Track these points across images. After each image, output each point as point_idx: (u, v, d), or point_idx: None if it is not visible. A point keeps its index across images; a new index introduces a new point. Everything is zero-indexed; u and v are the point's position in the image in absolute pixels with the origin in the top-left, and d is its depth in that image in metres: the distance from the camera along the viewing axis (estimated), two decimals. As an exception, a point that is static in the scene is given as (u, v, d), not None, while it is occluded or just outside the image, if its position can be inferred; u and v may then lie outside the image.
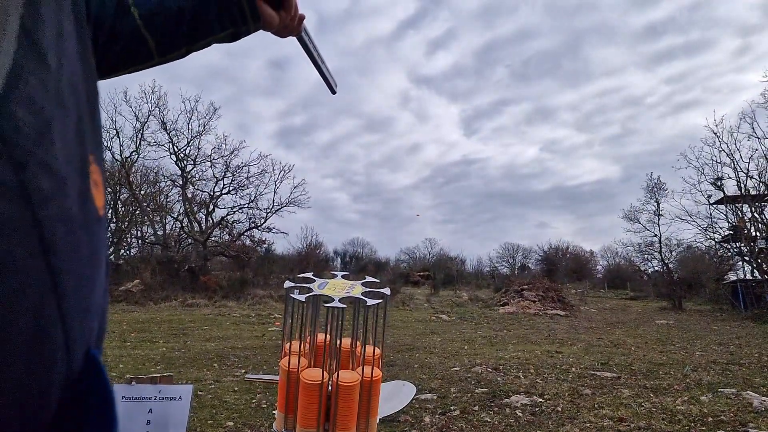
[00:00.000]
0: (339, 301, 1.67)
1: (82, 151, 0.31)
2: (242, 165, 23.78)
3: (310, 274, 1.88)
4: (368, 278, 1.94)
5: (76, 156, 0.30)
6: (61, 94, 0.29)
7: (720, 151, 20.16)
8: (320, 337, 1.81)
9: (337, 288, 1.80)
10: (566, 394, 4.73)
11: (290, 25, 0.81)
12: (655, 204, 23.98)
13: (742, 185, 19.17)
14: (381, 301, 1.73)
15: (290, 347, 1.64)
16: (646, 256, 25.60)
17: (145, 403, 1.74)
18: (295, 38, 0.85)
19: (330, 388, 1.60)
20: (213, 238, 23.32)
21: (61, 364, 0.28)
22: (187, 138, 22.99)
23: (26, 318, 0.24)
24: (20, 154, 0.24)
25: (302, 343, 1.70)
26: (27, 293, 0.24)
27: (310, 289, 1.74)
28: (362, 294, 1.76)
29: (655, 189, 23.98)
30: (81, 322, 0.30)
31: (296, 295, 1.68)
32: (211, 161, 23.39)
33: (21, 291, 0.24)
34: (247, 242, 24.03)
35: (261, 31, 0.80)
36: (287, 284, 1.78)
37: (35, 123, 0.25)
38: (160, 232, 24.12)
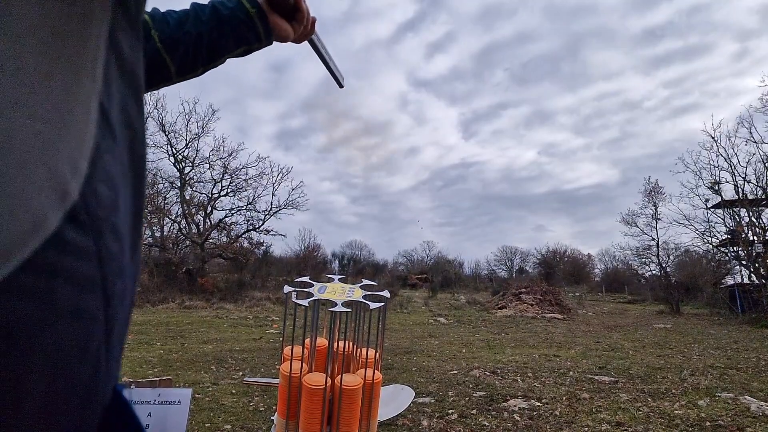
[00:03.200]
0: (341, 304, 1.68)
1: (135, 208, 0.35)
2: (241, 167, 23.81)
3: (306, 279, 1.88)
4: (365, 281, 1.95)
5: (130, 214, 0.34)
6: (124, 163, 0.32)
7: (718, 156, 20.31)
8: (319, 341, 1.81)
9: (337, 292, 1.80)
10: (564, 398, 4.73)
11: (303, 32, 0.82)
12: (653, 208, 24.07)
13: (740, 189, 19.25)
14: (383, 304, 1.73)
15: (291, 352, 1.64)
16: (643, 259, 25.66)
17: (144, 407, 1.73)
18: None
19: (332, 392, 1.60)
20: (211, 240, 23.26)
21: (102, 400, 0.31)
22: (186, 140, 22.98)
23: (90, 360, 0.28)
24: (99, 224, 0.28)
25: (303, 347, 1.70)
26: (93, 340, 0.28)
27: (310, 294, 1.74)
28: (363, 297, 1.76)
29: (653, 193, 24.06)
30: (117, 361, 0.33)
31: (300, 300, 1.68)
32: (209, 163, 23.37)
33: (90, 337, 0.28)
34: (245, 244, 24.00)
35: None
36: (287, 289, 1.78)
37: (110, 195, 0.29)
38: (157, 234, 24.03)
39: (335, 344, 1.71)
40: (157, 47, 0.71)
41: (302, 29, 0.81)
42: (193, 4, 0.76)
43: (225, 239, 23.90)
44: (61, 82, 0.25)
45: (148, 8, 0.74)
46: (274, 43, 0.81)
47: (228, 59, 0.80)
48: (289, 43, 0.83)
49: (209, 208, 23.78)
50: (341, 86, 0.97)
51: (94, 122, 0.28)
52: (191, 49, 0.74)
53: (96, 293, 0.28)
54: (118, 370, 0.34)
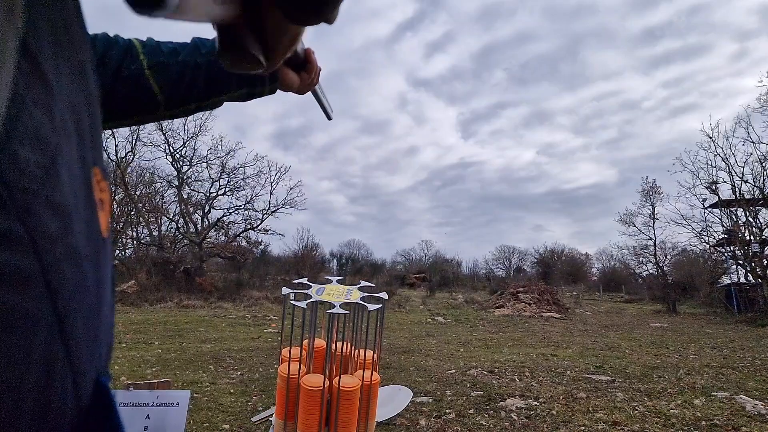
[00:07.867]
0: (339, 306, 1.69)
1: (85, 173, 0.28)
2: (238, 166, 23.86)
3: (304, 280, 1.89)
4: (363, 282, 1.95)
5: (80, 181, 0.27)
6: (64, 119, 0.25)
7: (715, 155, 20.25)
8: (317, 342, 1.82)
9: (335, 293, 1.81)
10: (561, 398, 4.75)
11: (309, 83, 0.78)
12: (651, 207, 24.13)
13: (737, 189, 19.32)
14: (381, 306, 1.74)
15: (290, 353, 1.65)
16: (641, 259, 25.76)
17: (142, 409, 1.74)
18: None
19: (329, 393, 1.61)
20: (209, 240, 23.27)
21: (70, 401, 0.26)
22: (183, 139, 22.98)
23: (38, 366, 0.23)
24: (25, 199, 0.21)
25: (302, 349, 1.71)
26: (36, 341, 0.23)
27: (308, 295, 1.75)
28: (361, 299, 1.77)
29: (651, 192, 24.13)
30: (89, 354, 0.28)
31: (298, 302, 1.69)
32: (207, 162, 23.38)
33: (32, 339, 0.23)
34: (243, 244, 24.01)
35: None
36: (285, 290, 1.78)
37: (41, 160, 0.22)
38: (155, 233, 24.01)
39: (333, 346, 1.72)
40: (144, 73, 0.65)
41: (309, 79, 0.76)
42: (195, 38, 0.71)
43: (223, 238, 23.93)
44: None
45: (143, 37, 0.69)
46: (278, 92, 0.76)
47: (226, 102, 0.74)
48: (290, 93, 0.78)
49: (207, 207, 23.82)
50: (330, 118, 0.94)
51: (12, 65, 0.21)
52: (186, 80, 0.67)
53: (34, 286, 0.22)
54: (97, 360, 0.30)
